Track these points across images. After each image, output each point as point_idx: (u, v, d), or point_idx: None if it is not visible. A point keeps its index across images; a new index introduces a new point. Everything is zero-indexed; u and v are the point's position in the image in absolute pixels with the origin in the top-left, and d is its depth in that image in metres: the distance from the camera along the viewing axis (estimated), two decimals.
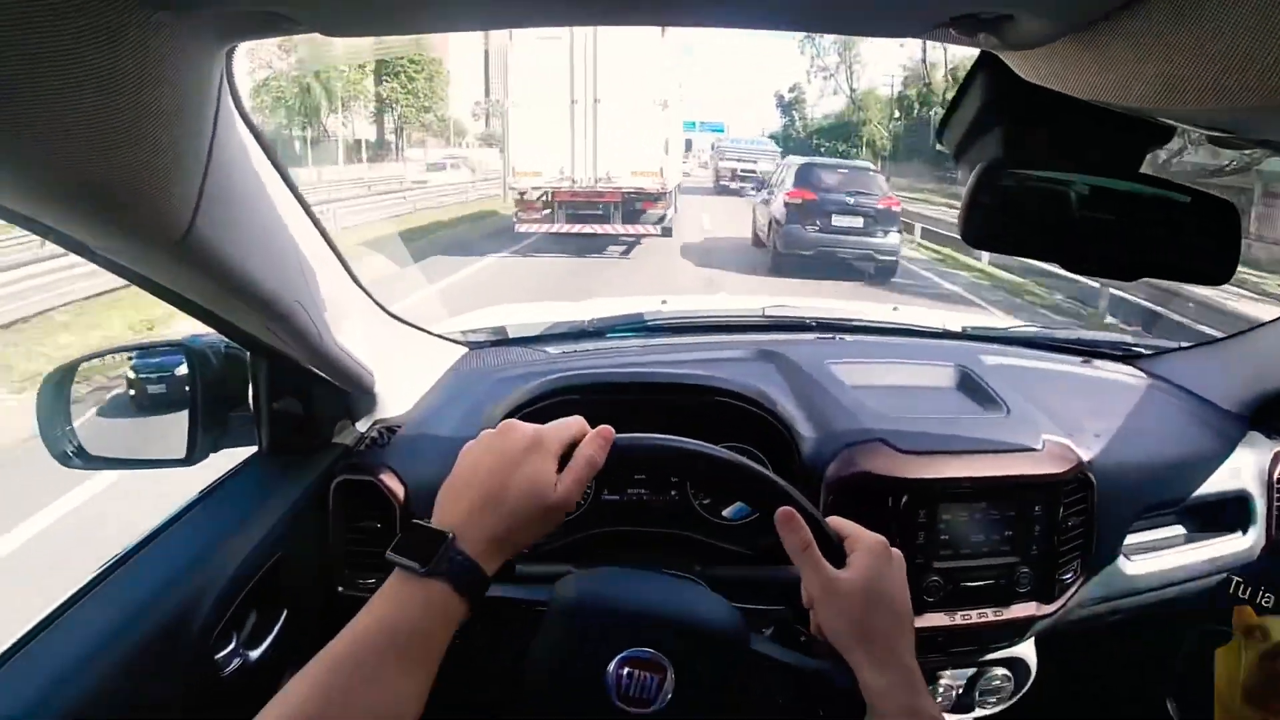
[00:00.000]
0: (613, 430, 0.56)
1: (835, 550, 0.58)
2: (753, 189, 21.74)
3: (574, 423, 0.57)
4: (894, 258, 9.05)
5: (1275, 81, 0.32)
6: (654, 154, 9.16)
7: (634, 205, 9.26)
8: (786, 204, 8.88)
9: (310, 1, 0.47)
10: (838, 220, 8.73)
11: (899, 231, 9.23)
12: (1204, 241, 0.60)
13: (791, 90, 41.79)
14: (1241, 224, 0.61)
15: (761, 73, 67.83)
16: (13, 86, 0.33)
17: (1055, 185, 0.59)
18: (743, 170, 22.96)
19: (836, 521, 0.61)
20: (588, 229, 9.31)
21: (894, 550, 0.59)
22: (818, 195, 8.79)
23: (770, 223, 9.41)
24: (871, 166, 10.73)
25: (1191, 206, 0.60)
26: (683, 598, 0.66)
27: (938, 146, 0.70)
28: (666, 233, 9.61)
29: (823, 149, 33.07)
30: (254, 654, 0.76)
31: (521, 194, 9.31)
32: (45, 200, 0.44)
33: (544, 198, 9.22)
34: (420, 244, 10.25)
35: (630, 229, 9.37)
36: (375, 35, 0.55)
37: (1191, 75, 0.36)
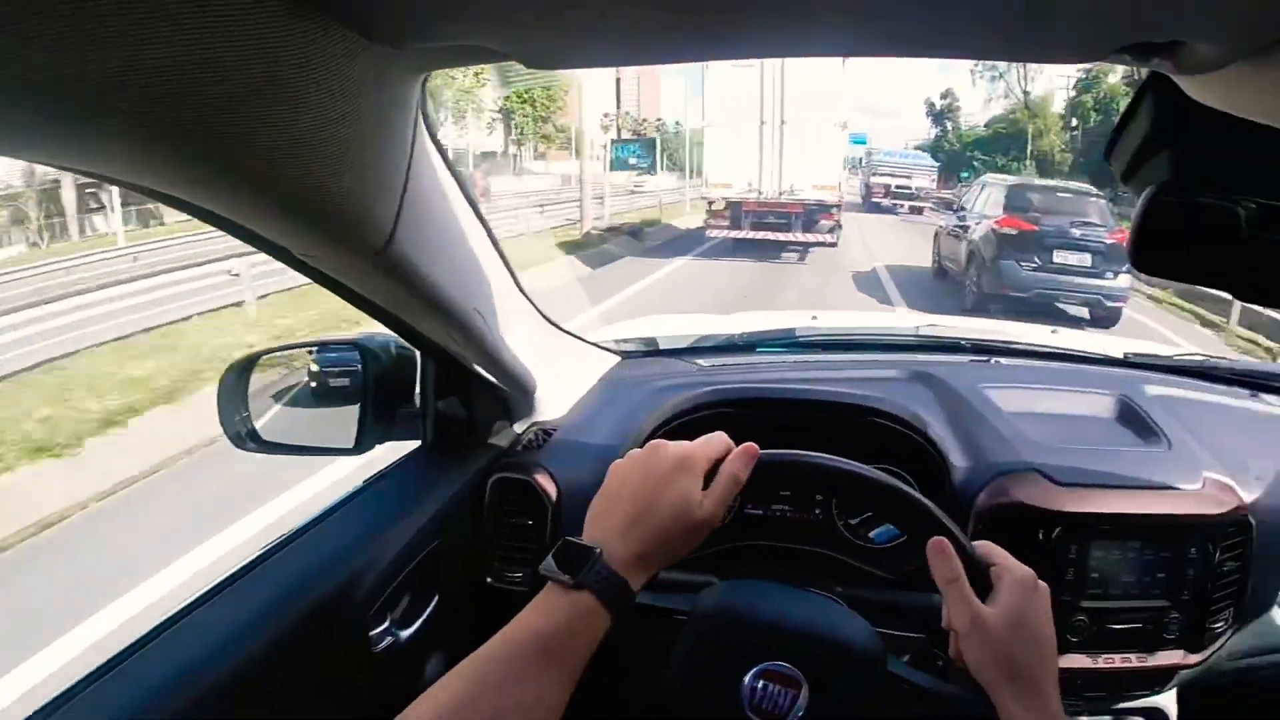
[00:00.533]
0: (757, 447, 0.59)
1: (981, 578, 0.58)
2: (904, 207, 21.36)
3: (718, 440, 0.59)
4: (1121, 304, 7.51)
5: None
6: (834, 170, 10.44)
7: (813, 216, 10.31)
8: (996, 234, 7.51)
9: (514, 37, 0.50)
10: (1061, 257, 7.29)
11: (1128, 271, 7.25)
12: None
13: (944, 97, 39.30)
14: None
15: (907, 80, 64.70)
16: (238, 107, 0.37)
17: (1228, 209, 0.57)
18: (897, 186, 22.07)
19: (985, 547, 0.61)
20: (770, 235, 10.48)
21: (1041, 583, 0.58)
22: (1038, 226, 7.41)
23: (969, 254, 8.09)
24: (1093, 190, 8.69)
25: None
26: (822, 615, 0.67)
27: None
28: (834, 241, 10.57)
29: (978, 163, 30.77)
30: (404, 634, 0.82)
31: (710, 203, 10.79)
32: (258, 210, 0.48)
33: (729, 208, 10.54)
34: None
35: (807, 236, 10.43)
36: (573, 68, 0.59)
37: None
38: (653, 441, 0.58)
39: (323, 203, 0.47)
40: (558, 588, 0.52)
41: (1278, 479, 0.97)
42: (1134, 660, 0.88)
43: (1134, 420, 1.02)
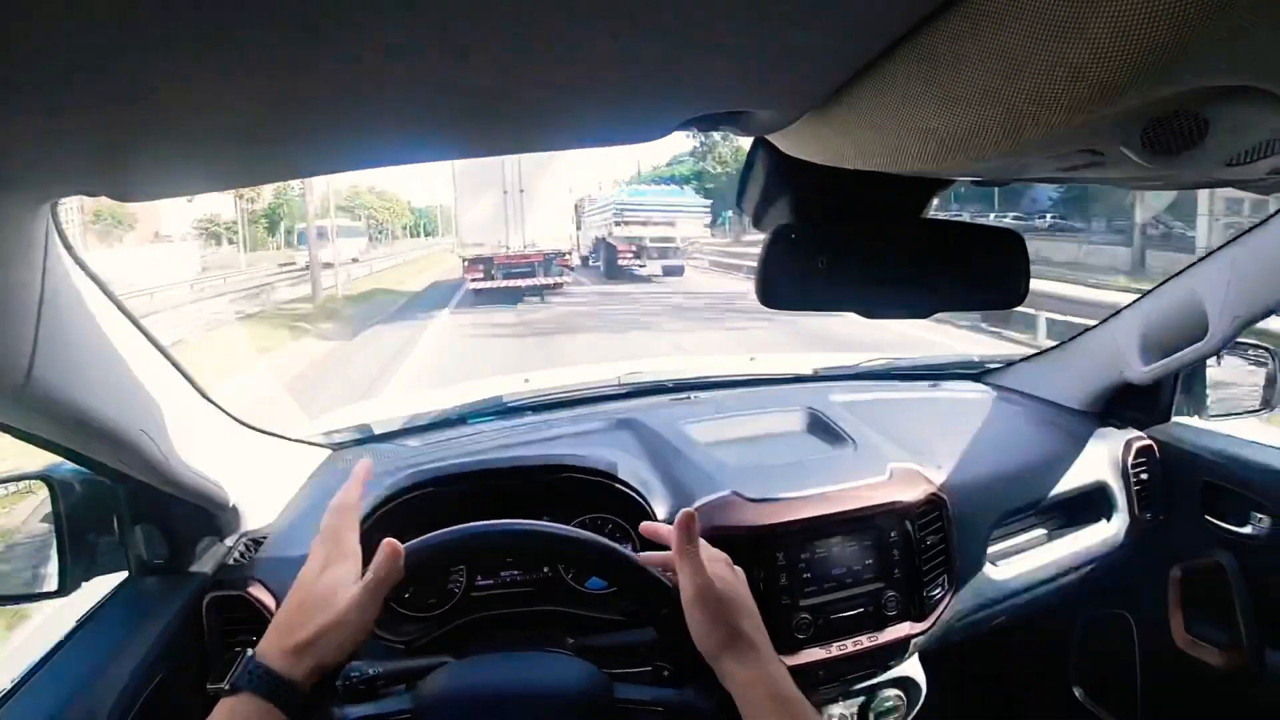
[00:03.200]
0: (397, 544, 0.61)
1: (662, 602, 0.63)
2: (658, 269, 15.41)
3: (354, 494, 0.64)
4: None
5: (962, 149, 0.37)
6: (565, 225, 13.38)
7: (551, 261, 12.67)
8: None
9: (118, 188, 0.51)
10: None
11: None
12: (994, 270, 0.65)
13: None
14: (1027, 249, 0.66)
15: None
16: None
17: (844, 240, 0.64)
18: (654, 240, 15.66)
19: (661, 557, 0.66)
20: (520, 282, 12.54)
21: (733, 563, 0.66)
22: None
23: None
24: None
25: (978, 240, 0.66)
26: (542, 672, 0.70)
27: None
28: (563, 283, 13.03)
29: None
30: None
31: (466, 260, 12.75)
32: None
33: (482, 262, 12.58)
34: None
35: (548, 279, 12.72)
36: (171, 197, 0.59)
37: (909, 142, 0.41)
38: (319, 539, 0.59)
39: None
40: (223, 699, 0.53)
41: (963, 455, 1.10)
42: (865, 641, 0.96)
43: (822, 428, 1.12)
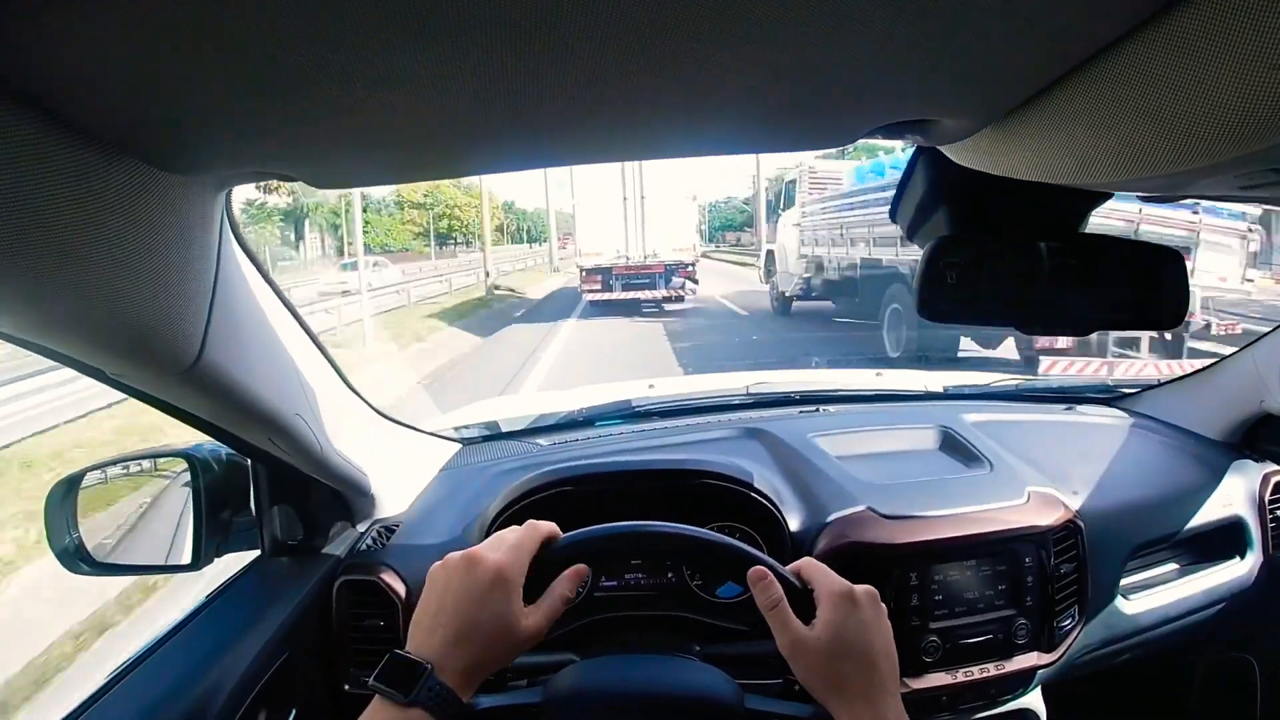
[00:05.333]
0: (582, 568, 0.60)
1: (804, 601, 0.60)
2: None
3: (529, 540, 0.60)
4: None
5: (1149, 164, 0.36)
6: (688, 234, 12.21)
7: (673, 273, 11.94)
8: None
9: (300, 165, 0.51)
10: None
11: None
12: (1152, 290, 0.63)
13: None
14: (1188, 269, 0.63)
15: None
16: (37, 241, 0.37)
17: (1004, 254, 0.62)
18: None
19: (807, 567, 0.62)
20: (638, 294, 11.94)
21: (864, 595, 0.59)
22: None
23: None
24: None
25: (1137, 258, 0.63)
26: (674, 675, 0.69)
27: None
28: (684, 295, 12.17)
29: None
30: None
31: (584, 270, 12.16)
32: (66, 335, 0.47)
33: (600, 273, 12.00)
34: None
35: (669, 291, 11.98)
36: (358, 187, 0.60)
37: (1097, 156, 0.40)
38: (470, 552, 0.58)
39: (127, 326, 0.46)
40: (389, 704, 0.51)
41: (1099, 482, 1.05)
42: (991, 669, 0.92)
43: (956, 448, 1.08)
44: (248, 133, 0.42)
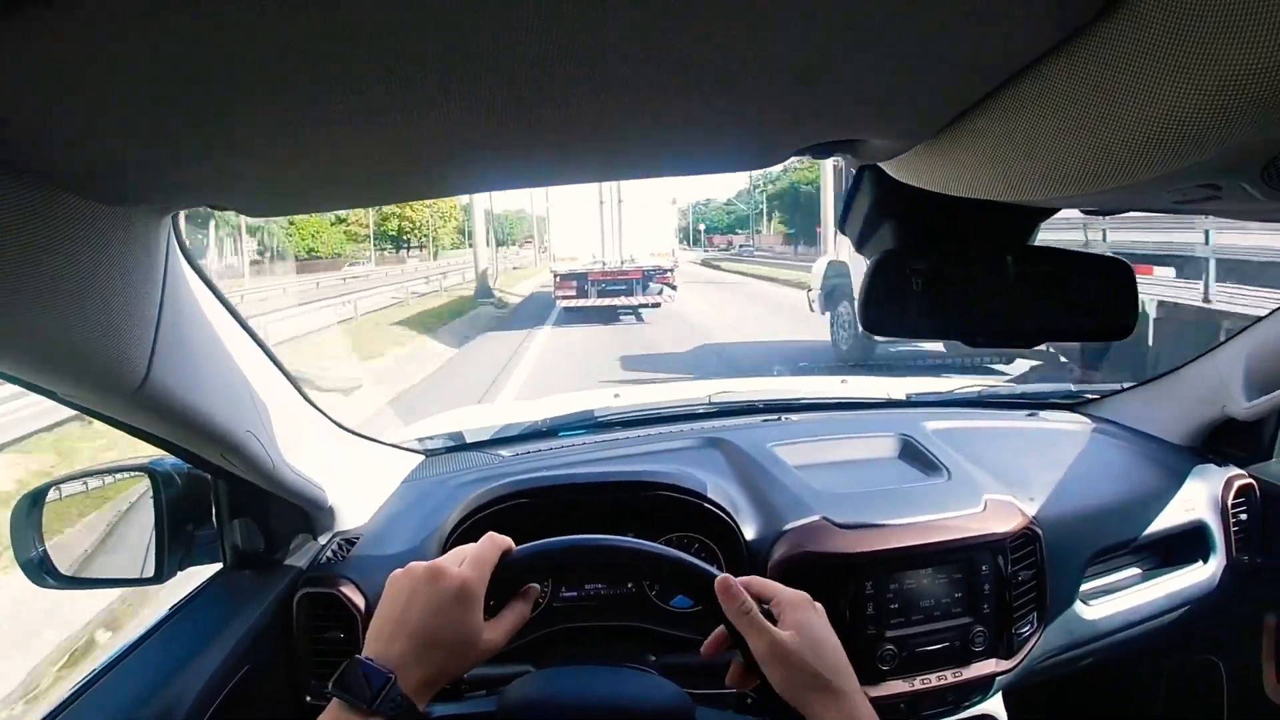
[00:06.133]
0: (535, 586, 0.62)
1: (764, 612, 0.61)
2: None
3: (490, 553, 0.61)
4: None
5: (1079, 180, 0.37)
6: (668, 239, 12.01)
7: (650, 278, 11.68)
8: None
9: (240, 201, 0.53)
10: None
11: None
12: (1102, 300, 0.63)
13: None
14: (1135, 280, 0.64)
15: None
16: None
17: (947, 268, 0.62)
18: None
19: (756, 583, 0.63)
20: (613, 301, 11.64)
21: (816, 602, 0.62)
22: None
23: None
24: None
25: (1085, 269, 0.63)
26: (626, 687, 0.69)
27: None
28: (661, 301, 11.97)
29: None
30: None
31: (558, 275, 11.77)
32: (13, 360, 0.47)
33: (575, 278, 11.62)
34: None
35: (646, 298, 11.75)
36: (303, 214, 0.60)
37: (1026, 174, 0.40)
38: (434, 565, 0.59)
39: (72, 351, 0.47)
40: (349, 709, 0.52)
41: (1059, 488, 1.06)
42: (949, 677, 0.92)
43: (915, 456, 1.09)
44: (188, 165, 0.42)
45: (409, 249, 47.68)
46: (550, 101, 0.36)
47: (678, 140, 0.47)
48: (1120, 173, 0.34)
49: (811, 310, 7.75)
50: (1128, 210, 0.61)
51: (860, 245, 0.71)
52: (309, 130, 0.37)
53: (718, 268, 27.48)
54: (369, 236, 44.77)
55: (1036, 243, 0.66)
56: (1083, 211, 0.66)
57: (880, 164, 0.56)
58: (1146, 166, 0.32)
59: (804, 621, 0.59)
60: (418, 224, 47.12)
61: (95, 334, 0.47)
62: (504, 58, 0.31)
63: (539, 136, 0.43)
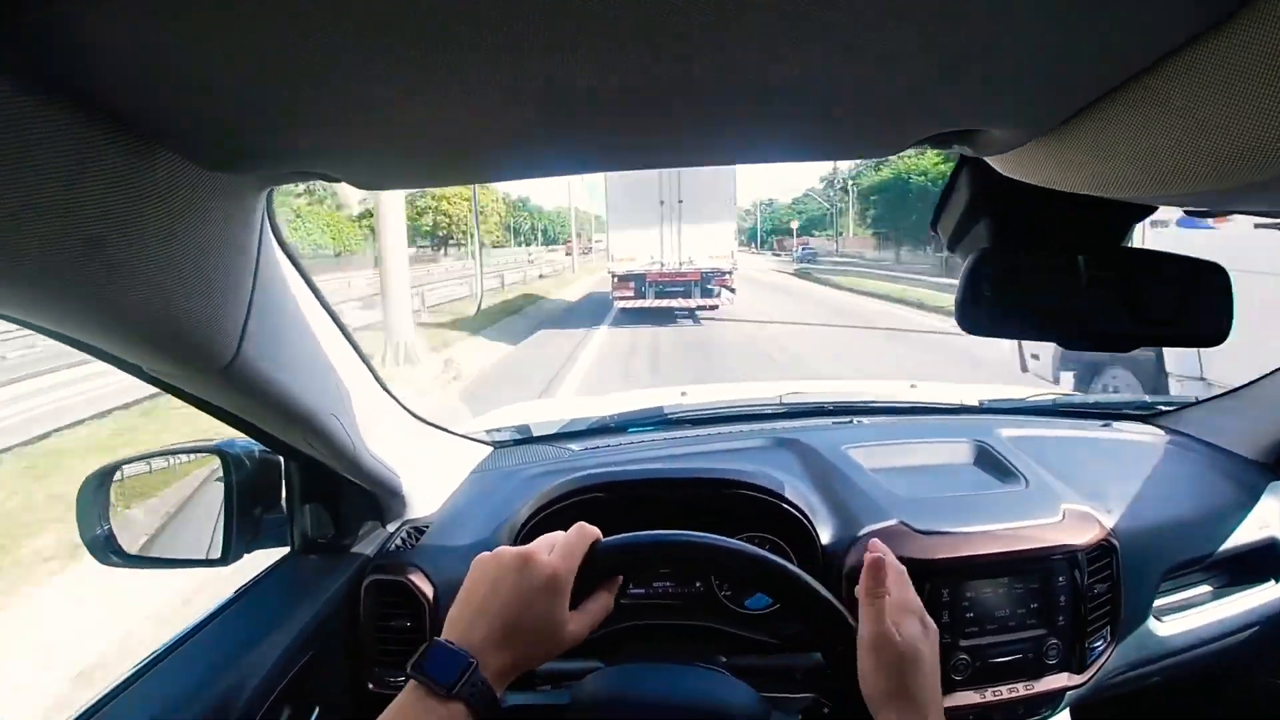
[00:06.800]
0: (616, 581, 0.62)
1: (846, 637, 0.61)
2: None
3: (580, 544, 0.60)
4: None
5: (1199, 178, 0.36)
6: (727, 241, 11.77)
7: (709, 280, 11.58)
8: None
9: (342, 166, 0.52)
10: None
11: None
12: (1196, 305, 0.62)
13: None
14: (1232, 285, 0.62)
15: None
16: (81, 239, 0.38)
17: (1045, 267, 0.61)
18: None
19: (893, 572, 0.64)
20: (671, 303, 11.62)
21: (930, 621, 0.62)
22: None
23: None
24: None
25: (1181, 273, 0.62)
26: (701, 687, 0.68)
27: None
28: (718, 304, 11.86)
29: None
30: None
31: (616, 276, 11.83)
32: (103, 331, 0.47)
33: (633, 279, 11.66)
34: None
35: (704, 301, 11.67)
36: (399, 188, 0.60)
37: (1142, 171, 0.40)
38: (525, 552, 0.58)
39: (165, 323, 0.47)
40: (427, 692, 0.51)
41: (1135, 501, 1.03)
42: (1020, 689, 0.90)
43: (991, 463, 1.06)
44: (287, 130, 0.42)
45: (446, 247, 43.84)
46: (656, 81, 0.36)
47: (793, 124, 0.46)
48: (1236, 172, 0.33)
49: (1025, 370, 4.89)
50: (1232, 211, 0.59)
51: (953, 244, 0.69)
52: (404, 95, 0.37)
53: (827, 282, 21.08)
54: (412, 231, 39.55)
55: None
56: (1187, 213, 0.64)
57: (989, 159, 0.55)
58: (1264, 167, 0.31)
59: (917, 635, 0.60)
60: (455, 219, 42.47)
61: (190, 305, 0.47)
62: (611, 34, 0.30)
63: (641, 117, 0.42)
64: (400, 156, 0.50)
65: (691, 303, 11.59)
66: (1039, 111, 0.43)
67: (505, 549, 0.58)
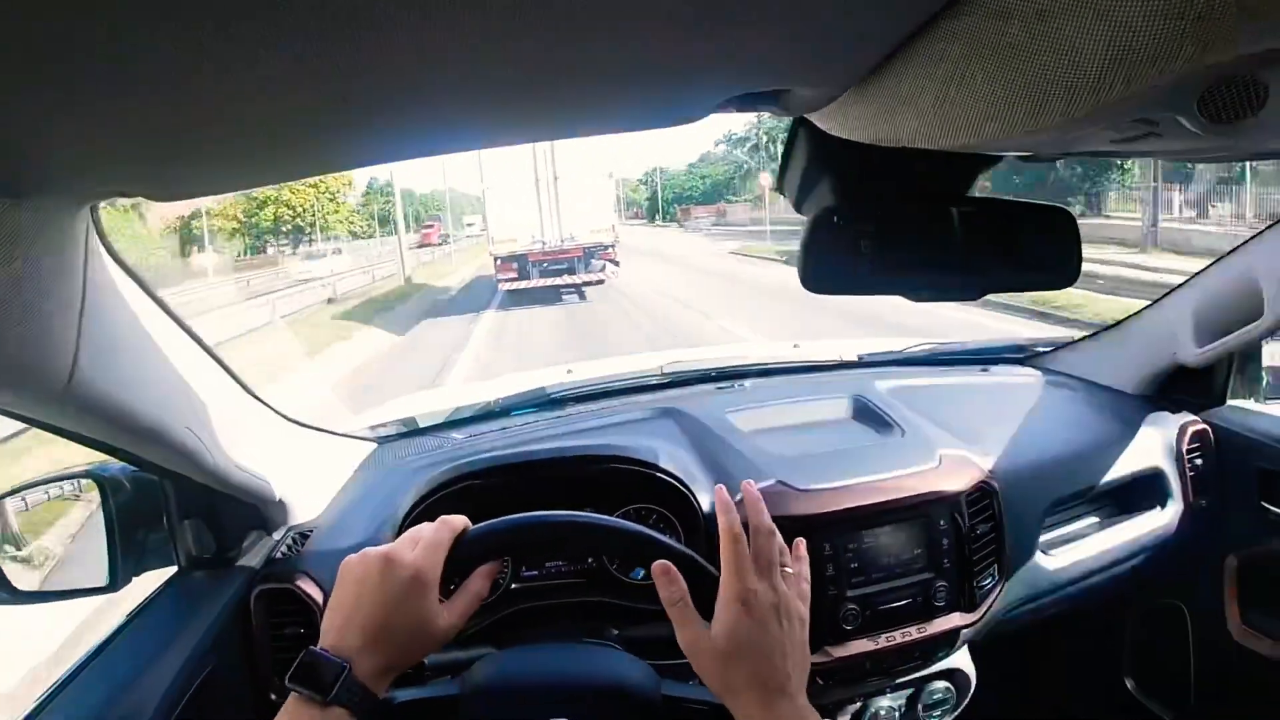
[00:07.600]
0: (492, 567, 0.62)
1: (712, 592, 0.59)
2: None
3: (446, 536, 0.60)
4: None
5: (1010, 123, 0.36)
6: (607, 214, 11.91)
7: (593, 255, 11.65)
8: None
9: (153, 186, 0.51)
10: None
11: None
12: (1044, 250, 0.63)
13: None
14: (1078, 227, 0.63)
15: None
16: None
17: (889, 222, 0.62)
18: None
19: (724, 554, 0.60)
20: (556, 281, 11.52)
21: (762, 591, 0.58)
22: None
23: None
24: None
25: (1027, 218, 0.63)
26: (591, 663, 0.70)
27: None
28: (604, 278, 11.95)
29: None
30: None
31: (497, 258, 11.72)
32: None
33: (515, 261, 11.50)
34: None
35: (588, 275, 11.73)
36: (206, 195, 0.59)
37: (955, 118, 0.39)
38: (387, 552, 0.58)
39: None
40: (306, 701, 0.52)
41: (1013, 441, 1.07)
42: (914, 633, 0.94)
43: (869, 416, 1.10)
44: (82, 145, 0.41)
45: (295, 244, 35.73)
46: (459, 61, 0.35)
47: (596, 96, 0.46)
48: (1050, 111, 0.33)
49: None
50: (1065, 154, 0.60)
51: (799, 205, 0.70)
52: (212, 95, 0.35)
53: (753, 257, 17.06)
54: (237, 231, 34.04)
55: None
56: (1018, 158, 0.66)
57: (810, 116, 0.56)
58: (1076, 102, 0.31)
59: (731, 622, 0.56)
60: (300, 210, 35.11)
61: (15, 334, 0.46)
62: (404, 16, 0.29)
63: (444, 100, 0.42)
64: (215, 160, 0.49)
65: (577, 279, 11.61)
66: (838, 67, 0.43)
67: (369, 550, 0.59)
